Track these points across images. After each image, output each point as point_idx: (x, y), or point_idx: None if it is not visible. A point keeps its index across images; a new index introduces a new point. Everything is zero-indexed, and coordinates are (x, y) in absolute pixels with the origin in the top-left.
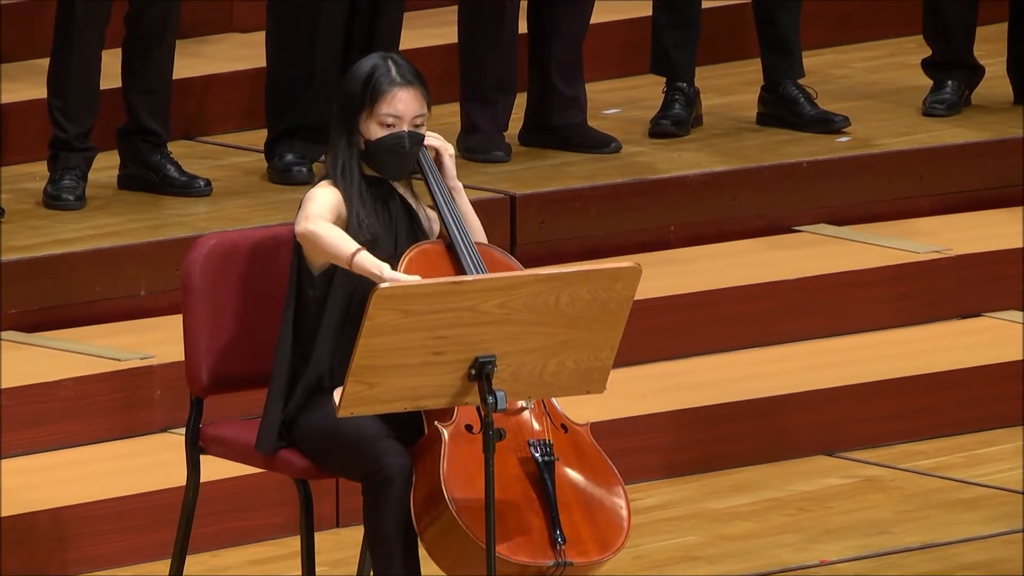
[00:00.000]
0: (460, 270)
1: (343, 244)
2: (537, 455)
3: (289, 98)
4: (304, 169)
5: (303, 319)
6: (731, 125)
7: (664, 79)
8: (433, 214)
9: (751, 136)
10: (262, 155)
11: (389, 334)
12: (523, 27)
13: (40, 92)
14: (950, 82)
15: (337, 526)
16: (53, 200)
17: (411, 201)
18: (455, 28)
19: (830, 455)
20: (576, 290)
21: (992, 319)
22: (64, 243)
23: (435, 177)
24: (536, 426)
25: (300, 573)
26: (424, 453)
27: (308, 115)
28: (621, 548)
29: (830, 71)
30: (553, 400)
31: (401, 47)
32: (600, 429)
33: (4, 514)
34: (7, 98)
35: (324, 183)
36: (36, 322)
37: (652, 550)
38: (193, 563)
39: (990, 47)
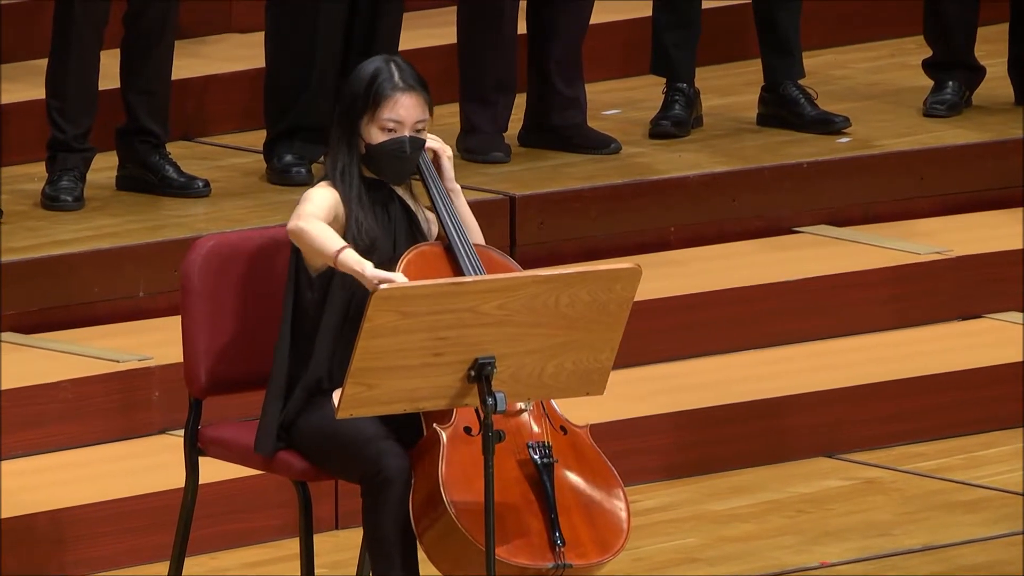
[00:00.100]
0: (458, 272)
1: (329, 242)
2: (536, 457)
3: (288, 99)
4: (303, 170)
5: (301, 320)
6: (731, 126)
7: (664, 80)
8: (432, 216)
9: (751, 137)
10: (261, 156)
11: (388, 336)
12: (522, 27)
13: (39, 93)
14: (951, 83)
15: (336, 528)
16: (51, 201)
17: (410, 203)
18: (455, 28)
19: (830, 457)
20: (576, 291)
21: (992, 320)
22: (62, 244)
23: (433, 179)
24: (535, 428)
25: (299, 575)
26: (423, 455)
27: (307, 116)
28: (621, 550)
29: (830, 72)
30: (552, 402)
31: (401, 47)
32: (600, 431)
33: (3, 516)
34: (5, 99)
35: (323, 184)
36: (34, 323)
37: (652, 552)
38: (192, 565)
39: (991, 47)
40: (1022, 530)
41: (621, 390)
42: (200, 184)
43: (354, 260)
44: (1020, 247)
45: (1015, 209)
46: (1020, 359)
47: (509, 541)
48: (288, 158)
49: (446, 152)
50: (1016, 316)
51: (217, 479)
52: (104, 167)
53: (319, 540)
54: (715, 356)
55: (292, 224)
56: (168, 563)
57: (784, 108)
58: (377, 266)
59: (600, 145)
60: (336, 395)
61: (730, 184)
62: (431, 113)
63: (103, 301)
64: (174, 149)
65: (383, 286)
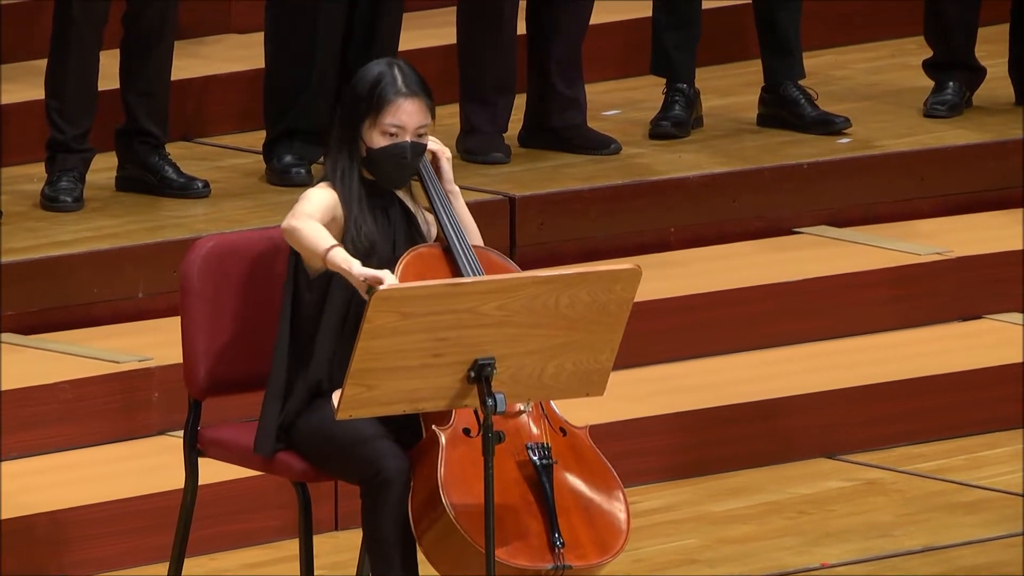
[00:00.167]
0: (457, 273)
1: (319, 240)
2: (535, 458)
3: (288, 99)
4: (303, 170)
5: (300, 321)
6: (731, 126)
7: (664, 80)
8: (431, 217)
9: (751, 137)
10: (260, 156)
11: (388, 336)
12: (522, 28)
13: (38, 93)
14: (951, 83)
15: (336, 529)
16: (51, 202)
17: (410, 205)
18: (454, 29)
19: (830, 458)
20: (575, 292)
21: (993, 321)
22: (62, 245)
23: (432, 181)
24: (534, 429)
25: None
26: (422, 457)
27: (307, 116)
28: (620, 551)
29: (831, 72)
30: (551, 403)
31: (400, 48)
32: (599, 432)
33: (3, 517)
34: (5, 99)
35: (322, 184)
36: (34, 324)
37: (652, 553)
38: (191, 566)
39: (991, 48)
40: (1023, 531)
41: (621, 391)
42: (199, 185)
43: (342, 258)
44: (1020, 248)
45: (1015, 210)
46: (1020, 360)
47: (508, 542)
48: (287, 159)
49: (445, 154)
50: (1016, 317)
51: (217, 480)
52: (103, 168)
53: (319, 541)
54: (715, 357)
55: (286, 223)
56: (168, 564)
57: (784, 109)
58: (377, 266)
59: (600, 146)
60: (336, 396)
61: (730, 185)
62: (433, 117)
63: (102, 302)
64: (173, 150)
65: (383, 287)
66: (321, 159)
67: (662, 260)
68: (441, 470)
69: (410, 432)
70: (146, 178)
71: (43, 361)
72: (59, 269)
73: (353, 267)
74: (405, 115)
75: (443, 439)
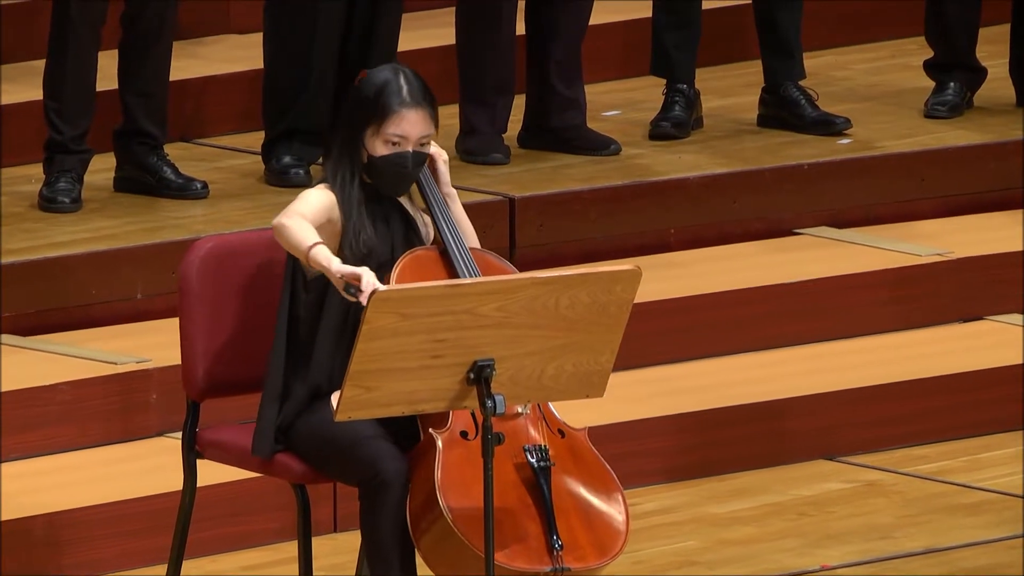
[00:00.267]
0: (453, 276)
1: (303, 237)
2: (533, 460)
3: (287, 100)
4: (301, 171)
5: (297, 322)
6: (731, 127)
7: (664, 80)
8: (429, 219)
9: (752, 138)
10: (259, 157)
11: (387, 338)
12: (521, 28)
13: (36, 94)
14: (952, 84)
15: (335, 531)
16: (49, 203)
17: (408, 209)
18: (454, 29)
19: (831, 459)
20: (575, 293)
21: (993, 322)
22: (60, 246)
23: (429, 184)
24: (532, 432)
25: None
26: (419, 460)
27: (306, 117)
28: (619, 553)
29: (831, 73)
30: (550, 405)
31: (400, 48)
32: (599, 433)
33: (1, 519)
34: (3, 99)
35: (321, 186)
36: (32, 325)
37: (652, 555)
38: (190, 568)
39: (992, 48)
40: (1023, 533)
41: (621, 392)
42: (198, 185)
43: (323, 256)
44: (1021, 249)
45: (1016, 211)
46: (1021, 361)
47: (507, 546)
48: (286, 159)
49: (442, 156)
50: (1017, 318)
51: (215, 482)
52: (102, 168)
53: (317, 543)
54: (715, 358)
55: (276, 219)
56: (166, 566)
57: (785, 109)
58: (376, 270)
59: (600, 146)
60: (335, 397)
61: (730, 185)
62: (436, 127)
63: (101, 303)
64: (172, 150)
65: (382, 288)
66: (320, 160)
67: (662, 261)
68: (438, 473)
69: (409, 435)
70: (144, 179)
71: (41, 362)
72: (57, 270)
73: (332, 264)
74: (408, 125)
75: (440, 442)
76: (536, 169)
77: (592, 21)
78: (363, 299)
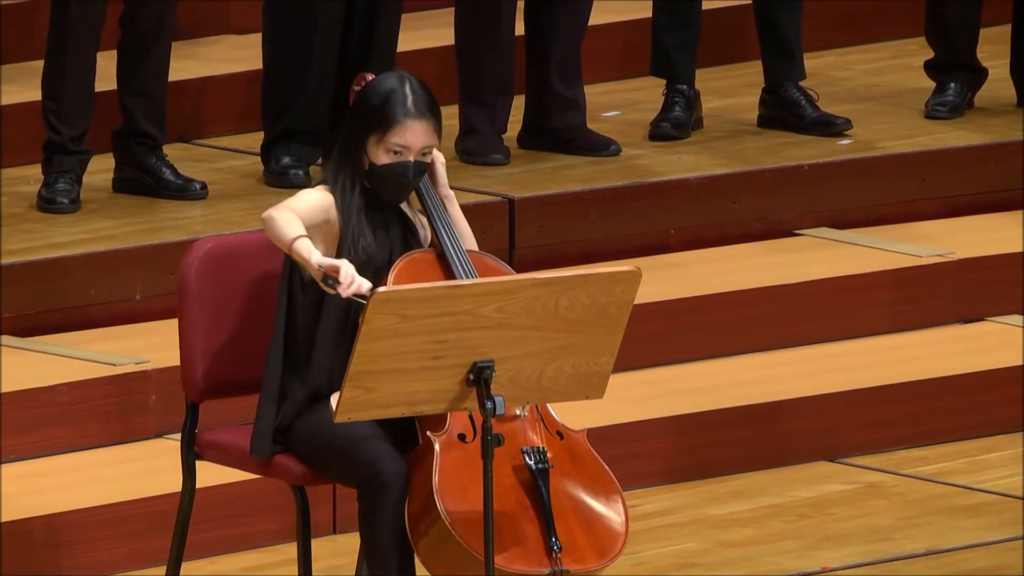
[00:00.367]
0: (451, 278)
1: (289, 230)
2: (531, 463)
3: (286, 100)
4: (301, 172)
5: (295, 323)
6: (732, 127)
7: (664, 81)
8: (427, 221)
9: (752, 139)
10: (258, 158)
11: (386, 339)
12: (521, 29)
13: (35, 94)
14: (952, 84)
15: (334, 532)
16: (47, 203)
17: (408, 213)
18: (453, 29)
19: (831, 461)
20: (575, 294)
21: (994, 323)
22: (59, 247)
23: (427, 186)
24: (530, 434)
25: None
26: (417, 463)
27: (305, 117)
28: (619, 555)
29: (831, 73)
30: (549, 407)
31: (399, 48)
32: (599, 435)
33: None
34: (3, 100)
35: (321, 187)
36: (31, 326)
37: (651, 557)
38: (189, 569)
39: (993, 49)
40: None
41: (621, 394)
42: (197, 186)
43: (305, 249)
44: (1021, 250)
45: (1016, 212)
46: (1021, 363)
47: (506, 548)
48: (286, 160)
49: (440, 159)
50: (1017, 319)
51: (214, 483)
52: (100, 169)
53: (317, 544)
54: (715, 360)
55: (266, 212)
56: (165, 567)
57: (785, 110)
58: (373, 276)
59: (600, 147)
60: (334, 399)
61: (730, 186)
62: (439, 137)
63: (100, 304)
64: (171, 151)
65: (381, 289)
66: (319, 161)
67: (662, 262)
68: (435, 476)
69: (408, 436)
70: (143, 180)
71: (40, 364)
72: (56, 271)
73: (313, 256)
74: (412, 136)
75: (437, 445)
76: (536, 170)
77: (592, 21)
78: (341, 291)
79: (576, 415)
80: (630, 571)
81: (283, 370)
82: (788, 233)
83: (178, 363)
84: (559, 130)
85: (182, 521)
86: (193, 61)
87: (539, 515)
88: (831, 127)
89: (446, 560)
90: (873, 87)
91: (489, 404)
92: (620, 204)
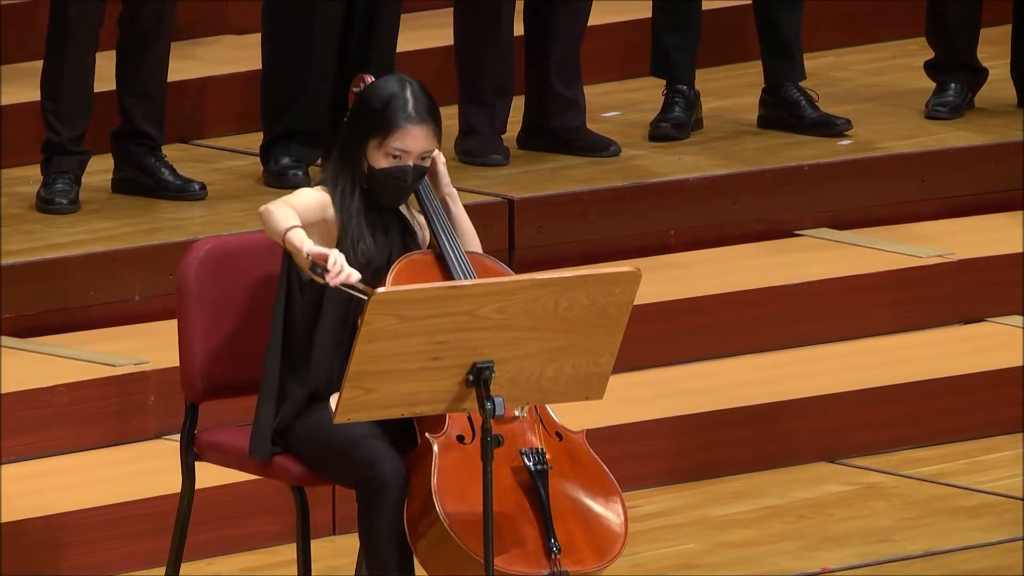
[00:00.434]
0: (449, 279)
1: (283, 221)
2: (530, 464)
3: (285, 101)
4: (300, 172)
5: (293, 323)
6: (732, 128)
7: (664, 81)
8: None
9: (752, 139)
10: (258, 158)
11: (386, 339)
12: (520, 29)
13: (34, 95)
14: (953, 85)
15: (333, 533)
16: (46, 204)
17: (407, 216)
18: (452, 30)
19: (831, 462)
20: (575, 295)
21: (994, 324)
22: (58, 247)
23: (425, 187)
24: (529, 435)
25: None
26: (415, 465)
27: (304, 118)
28: (618, 556)
29: (831, 73)
30: (548, 409)
31: (398, 49)
32: (598, 435)
33: None
34: (2, 100)
35: (320, 188)
36: (30, 327)
37: (651, 558)
38: (188, 570)
39: (993, 49)
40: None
41: (620, 394)
42: (196, 187)
43: (297, 239)
44: (1022, 250)
45: (1017, 212)
46: (1021, 363)
47: (505, 550)
48: (285, 160)
49: (440, 158)
50: (1017, 320)
51: (214, 484)
52: (100, 170)
53: (316, 545)
54: (715, 360)
55: (263, 206)
56: (164, 569)
57: (785, 110)
58: (372, 279)
59: (599, 147)
60: (334, 399)
61: (730, 187)
62: (439, 142)
63: (99, 305)
64: (170, 152)
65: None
66: (319, 161)
67: (662, 263)
68: (434, 478)
69: (407, 437)
70: (142, 180)
71: (39, 364)
72: (55, 272)
73: (304, 245)
74: (412, 141)
75: (436, 447)
76: (535, 170)
77: (592, 22)
78: (329, 279)
79: (576, 416)
80: (629, 572)
81: (281, 370)
82: (788, 234)
83: (177, 364)
84: (559, 130)
85: (181, 522)
86: (192, 61)
87: (538, 516)
88: (831, 127)
89: (445, 561)
90: (873, 87)
91: (488, 405)
92: (620, 205)
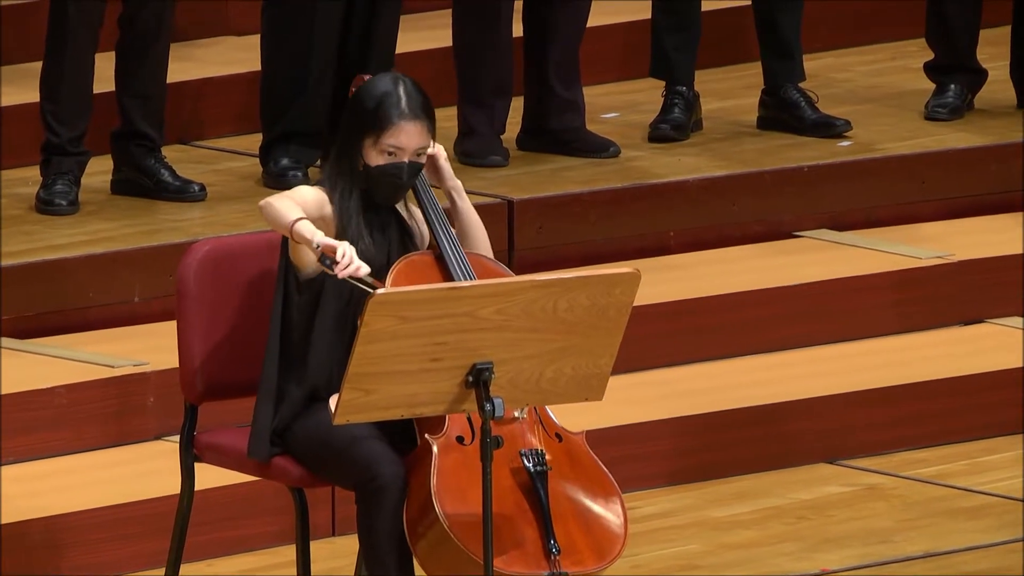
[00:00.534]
0: (449, 280)
1: (288, 213)
2: (529, 465)
3: (284, 102)
4: (299, 173)
5: (291, 323)
6: (731, 129)
7: (664, 82)
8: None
9: (751, 140)
10: (257, 160)
11: (386, 340)
12: (519, 30)
13: (33, 95)
14: (953, 86)
15: (333, 534)
16: (46, 205)
17: (405, 216)
18: (451, 30)
19: (831, 463)
20: (574, 296)
21: (994, 325)
22: (57, 248)
23: (424, 188)
24: (528, 436)
25: None
26: (415, 466)
27: (303, 119)
28: (618, 557)
29: (831, 74)
30: (548, 410)
31: (397, 50)
32: (599, 437)
33: None
34: (2, 101)
35: (319, 188)
36: (29, 328)
37: (652, 559)
38: (187, 571)
39: (993, 50)
40: (1023, 537)
41: (620, 395)
42: (196, 188)
43: (307, 230)
44: (1022, 252)
45: (1017, 213)
46: (1021, 364)
47: (504, 551)
48: (284, 162)
49: (442, 153)
50: (1017, 321)
51: (213, 485)
52: (99, 171)
53: (316, 547)
54: (715, 361)
55: (263, 200)
56: (164, 570)
57: (785, 111)
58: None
59: (599, 149)
60: (333, 401)
61: (730, 188)
62: (434, 138)
63: (98, 306)
64: (170, 153)
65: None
66: (318, 162)
67: (661, 264)
68: (434, 479)
69: (406, 438)
70: (142, 181)
71: (38, 365)
72: (54, 273)
73: (316, 236)
74: (406, 137)
75: (436, 448)
76: (535, 171)
77: (592, 22)
78: (338, 271)
79: (576, 417)
80: (630, 572)
81: (279, 371)
82: (788, 235)
83: (177, 365)
84: (558, 131)
85: (181, 523)
86: (192, 62)
87: (537, 517)
88: (831, 128)
89: (444, 562)
90: (873, 88)
91: (488, 406)
92: (619, 206)
